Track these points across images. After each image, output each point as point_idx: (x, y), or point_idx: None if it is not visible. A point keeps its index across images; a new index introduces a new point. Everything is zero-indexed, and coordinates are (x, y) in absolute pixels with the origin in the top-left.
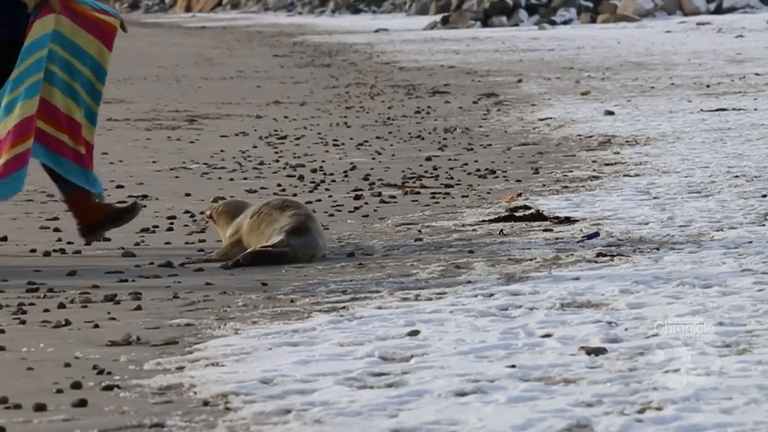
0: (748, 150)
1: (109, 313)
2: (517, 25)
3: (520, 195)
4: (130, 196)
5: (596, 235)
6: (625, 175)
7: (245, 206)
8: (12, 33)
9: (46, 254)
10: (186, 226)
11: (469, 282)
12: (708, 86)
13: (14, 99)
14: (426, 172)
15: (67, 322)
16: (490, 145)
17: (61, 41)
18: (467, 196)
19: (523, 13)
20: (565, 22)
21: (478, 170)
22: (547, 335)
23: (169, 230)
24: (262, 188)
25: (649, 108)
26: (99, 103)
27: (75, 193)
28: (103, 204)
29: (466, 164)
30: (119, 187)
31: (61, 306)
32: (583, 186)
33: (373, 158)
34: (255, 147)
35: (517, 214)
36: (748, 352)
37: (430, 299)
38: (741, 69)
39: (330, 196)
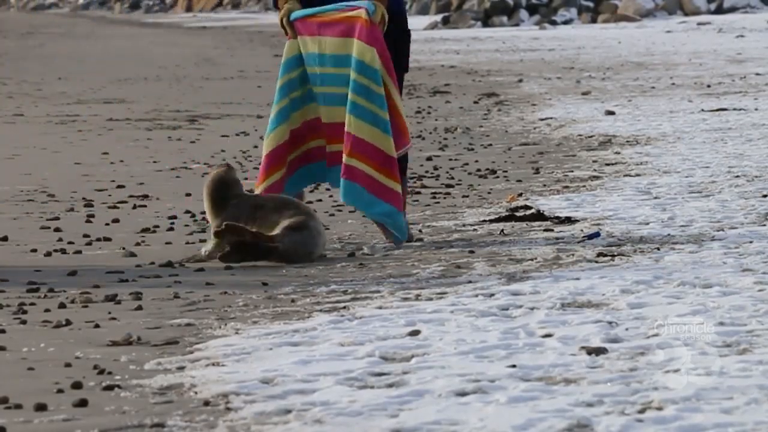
0: (748, 150)
1: (109, 313)
2: (517, 25)
3: (520, 195)
4: (131, 196)
5: (597, 235)
6: (625, 175)
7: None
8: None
9: (47, 254)
10: (186, 226)
11: (470, 282)
12: (708, 86)
13: (268, 126)
14: (427, 172)
15: (68, 322)
16: (490, 145)
17: (322, 60)
18: (468, 196)
19: (523, 13)
20: (565, 22)
21: (479, 170)
22: (548, 335)
23: (170, 230)
24: None
25: (650, 108)
26: (384, 107)
27: None
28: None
29: (467, 164)
30: (120, 187)
31: (62, 306)
32: (583, 186)
33: None
34: (256, 147)
35: (517, 214)
36: (749, 352)
37: (431, 299)
38: (741, 69)
39: (331, 196)
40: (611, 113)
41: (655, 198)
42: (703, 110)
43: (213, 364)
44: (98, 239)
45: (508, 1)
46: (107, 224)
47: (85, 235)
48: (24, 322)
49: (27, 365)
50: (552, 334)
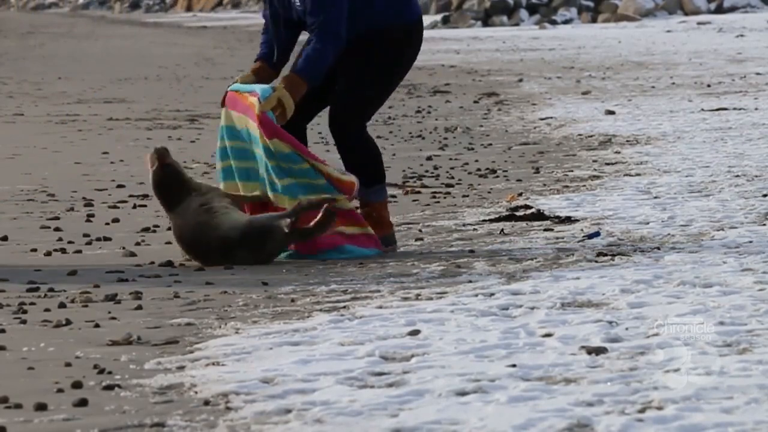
0: (748, 149)
1: (109, 312)
2: (517, 24)
3: (520, 194)
4: (131, 196)
5: (597, 234)
6: (625, 175)
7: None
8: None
9: (47, 254)
10: None
11: (470, 281)
12: (709, 86)
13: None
14: (427, 171)
15: (68, 322)
16: (490, 144)
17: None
18: (468, 196)
19: (523, 13)
20: (565, 22)
21: (479, 170)
22: (548, 335)
23: (170, 230)
24: None
25: (650, 107)
26: (318, 176)
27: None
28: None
29: (467, 164)
30: (120, 186)
31: (62, 305)
32: (583, 185)
33: None
34: None
35: (517, 213)
36: (749, 351)
37: (431, 299)
38: (742, 68)
39: None
40: (611, 113)
41: (655, 197)
42: (703, 110)
43: (213, 364)
44: (98, 239)
45: (508, 0)
46: (107, 224)
47: (85, 235)
48: (24, 322)
49: (27, 365)
50: (552, 334)
